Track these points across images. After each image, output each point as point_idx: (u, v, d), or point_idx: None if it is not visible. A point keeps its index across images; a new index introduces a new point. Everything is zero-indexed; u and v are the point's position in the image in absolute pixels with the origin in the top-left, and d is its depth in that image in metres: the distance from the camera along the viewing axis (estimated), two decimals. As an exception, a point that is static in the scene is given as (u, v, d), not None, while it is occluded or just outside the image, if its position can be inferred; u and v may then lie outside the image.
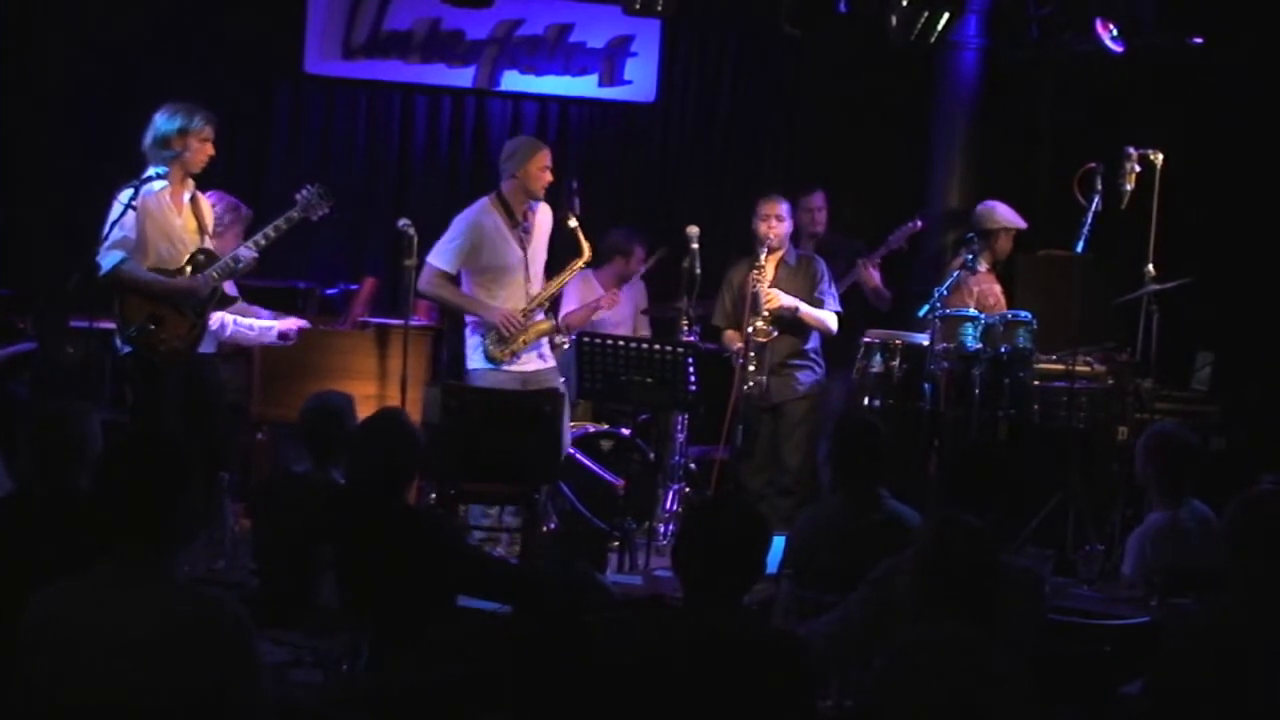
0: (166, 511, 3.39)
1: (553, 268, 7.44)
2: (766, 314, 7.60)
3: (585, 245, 7.29)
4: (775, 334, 7.62)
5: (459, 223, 7.25)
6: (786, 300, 7.63)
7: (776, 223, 7.73)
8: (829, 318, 7.78)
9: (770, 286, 7.67)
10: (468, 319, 7.31)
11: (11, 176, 8.94)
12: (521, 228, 7.24)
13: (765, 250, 7.67)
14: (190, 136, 6.64)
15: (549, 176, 7.25)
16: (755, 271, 7.61)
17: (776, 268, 7.77)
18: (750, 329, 7.60)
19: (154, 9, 9.16)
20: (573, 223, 7.25)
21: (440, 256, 7.20)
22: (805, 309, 7.69)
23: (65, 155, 9.05)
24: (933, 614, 3.61)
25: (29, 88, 9.03)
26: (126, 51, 9.16)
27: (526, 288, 7.23)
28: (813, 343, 7.85)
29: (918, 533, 3.91)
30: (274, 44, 9.48)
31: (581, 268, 7.42)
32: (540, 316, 7.29)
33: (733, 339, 7.81)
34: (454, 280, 7.24)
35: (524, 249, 7.24)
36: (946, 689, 3.39)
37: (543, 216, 7.33)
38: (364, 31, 9.52)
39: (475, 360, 7.26)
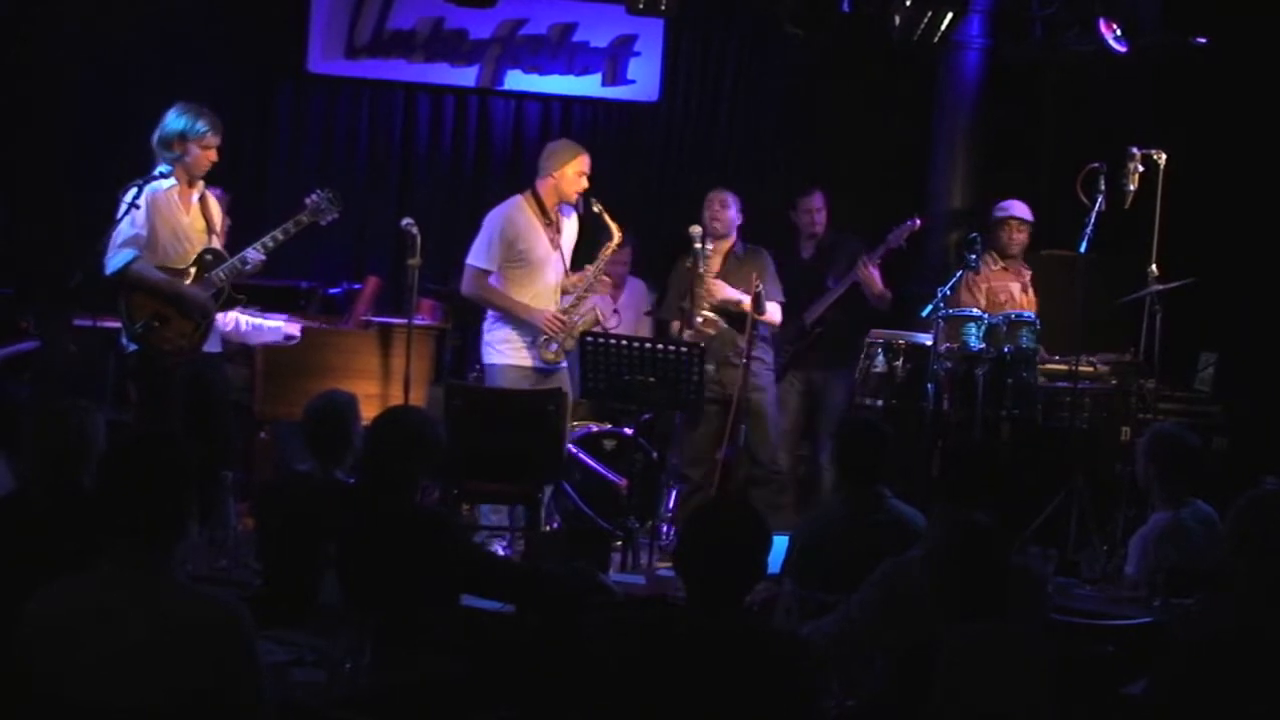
0: (167, 512, 3.39)
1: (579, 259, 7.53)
2: (707, 307, 7.64)
3: (614, 227, 7.35)
4: (723, 325, 7.62)
5: (491, 219, 7.32)
6: (730, 293, 7.67)
7: (720, 209, 7.82)
8: (773, 309, 7.78)
9: (715, 277, 7.71)
10: (487, 316, 7.32)
11: (14, 175, 8.93)
12: (554, 226, 7.29)
13: (708, 241, 7.71)
14: (190, 141, 6.63)
15: (585, 183, 7.29)
16: (691, 263, 7.63)
17: (725, 258, 7.78)
18: (699, 319, 7.60)
19: (156, 8, 9.16)
20: (596, 207, 7.31)
21: (478, 256, 7.27)
22: (748, 301, 7.64)
23: (67, 154, 9.06)
24: (946, 614, 3.61)
25: (31, 86, 9.03)
26: (129, 50, 9.16)
27: (556, 283, 7.29)
28: (760, 332, 7.81)
29: (930, 534, 3.91)
30: (277, 43, 9.49)
31: (615, 249, 7.45)
32: (588, 306, 7.35)
33: (677, 330, 7.83)
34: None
35: (554, 247, 7.29)
36: (990, 688, 3.38)
37: (571, 224, 7.41)
38: (367, 31, 9.54)
39: (492, 356, 7.27)
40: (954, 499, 4.55)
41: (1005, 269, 8.24)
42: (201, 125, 6.63)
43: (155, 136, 6.66)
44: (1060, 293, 7.93)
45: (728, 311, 7.70)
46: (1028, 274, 8.31)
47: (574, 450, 7.44)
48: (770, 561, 3.73)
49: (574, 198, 7.29)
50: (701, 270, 7.54)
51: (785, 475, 7.97)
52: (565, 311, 7.23)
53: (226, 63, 9.33)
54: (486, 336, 7.36)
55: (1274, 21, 8.51)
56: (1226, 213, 8.72)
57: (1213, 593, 4.29)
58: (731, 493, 7.50)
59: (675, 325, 7.91)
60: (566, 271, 7.34)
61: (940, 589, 3.73)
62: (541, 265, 7.27)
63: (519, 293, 7.23)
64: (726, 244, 7.85)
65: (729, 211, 7.85)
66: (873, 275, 8.52)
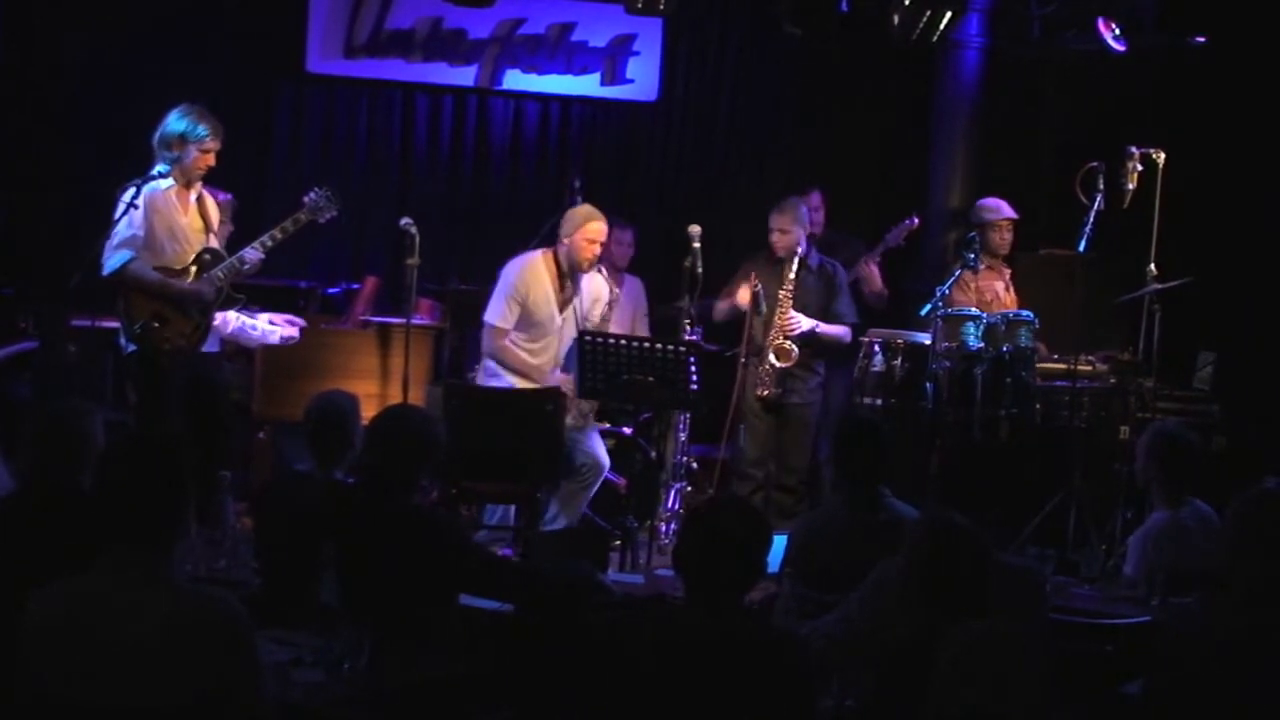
0: (166, 512, 3.39)
1: None
2: (781, 338, 7.62)
3: (611, 285, 7.40)
4: (796, 356, 7.65)
5: (506, 276, 7.23)
6: (806, 326, 7.67)
7: (781, 235, 7.72)
8: (844, 332, 7.84)
9: (794, 292, 7.68)
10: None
11: (13, 176, 8.94)
12: (568, 292, 7.24)
13: (788, 263, 7.68)
14: (189, 144, 6.63)
15: (598, 250, 7.19)
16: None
17: (799, 270, 7.75)
18: (773, 355, 7.62)
19: (156, 7, 9.17)
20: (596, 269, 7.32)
21: (494, 314, 7.20)
22: (822, 328, 7.73)
23: (67, 155, 9.06)
24: (924, 613, 3.62)
25: (31, 86, 9.03)
26: (128, 50, 9.16)
27: (559, 344, 7.25)
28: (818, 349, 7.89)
29: (909, 532, 3.92)
30: (276, 43, 9.49)
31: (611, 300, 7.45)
32: None
33: (735, 298, 7.82)
34: None
35: (562, 311, 7.23)
36: (988, 687, 3.38)
37: (592, 287, 7.34)
38: (366, 31, 9.54)
39: (490, 381, 7.24)
40: (951, 498, 4.55)
41: (990, 268, 8.22)
42: (202, 129, 6.63)
43: (156, 135, 6.66)
44: (1059, 292, 7.93)
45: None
46: (1008, 273, 8.31)
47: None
48: (769, 561, 3.73)
49: (584, 267, 7.19)
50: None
51: (805, 486, 7.98)
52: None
53: (225, 62, 9.32)
54: (483, 366, 7.31)
55: (1272, 21, 8.52)
56: (1225, 212, 8.72)
57: (1211, 592, 4.28)
58: (730, 492, 7.50)
59: (732, 297, 7.87)
60: (577, 327, 7.23)
61: (914, 587, 3.73)
62: (543, 325, 7.21)
63: (525, 350, 7.20)
64: (799, 256, 7.74)
65: (789, 236, 7.70)
66: (872, 272, 8.54)
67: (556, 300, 7.23)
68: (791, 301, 7.68)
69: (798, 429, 7.85)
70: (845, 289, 7.94)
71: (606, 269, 8.41)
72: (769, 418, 7.81)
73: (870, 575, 4.36)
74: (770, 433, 7.82)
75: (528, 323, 7.20)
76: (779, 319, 7.66)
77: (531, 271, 7.21)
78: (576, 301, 7.27)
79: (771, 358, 7.66)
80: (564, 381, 7.11)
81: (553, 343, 7.26)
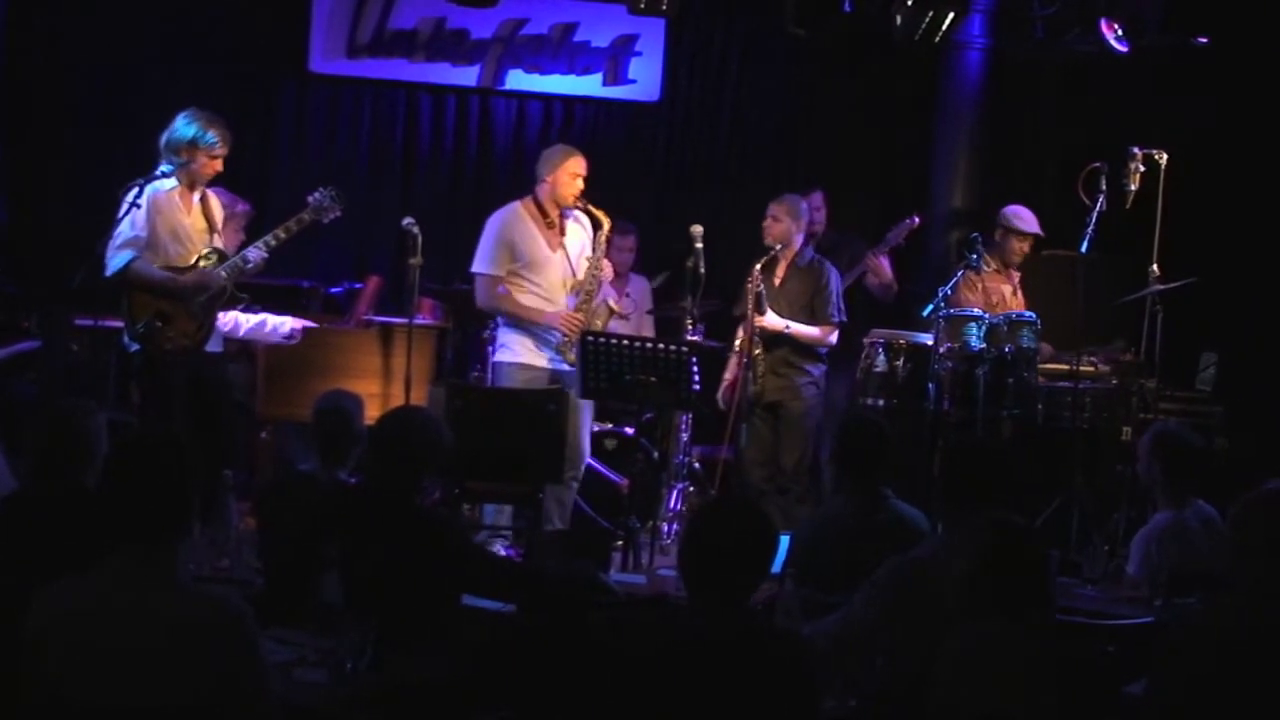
0: (171, 512, 3.40)
1: None
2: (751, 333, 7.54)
3: (599, 214, 7.27)
4: (760, 351, 7.55)
5: (490, 224, 7.30)
6: (772, 321, 7.55)
7: (772, 223, 7.65)
8: (823, 331, 7.68)
9: (778, 285, 7.64)
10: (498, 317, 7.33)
11: (16, 175, 8.94)
12: (556, 229, 7.27)
13: (768, 254, 7.64)
14: (198, 150, 6.63)
15: (580, 184, 7.23)
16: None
17: (786, 267, 7.73)
18: (736, 345, 7.58)
19: (159, 7, 9.18)
20: (580, 204, 7.26)
21: (483, 263, 7.24)
22: (795, 328, 7.60)
23: (69, 154, 9.07)
24: (982, 614, 3.60)
25: (34, 86, 9.03)
26: (131, 50, 9.17)
27: (564, 284, 7.26)
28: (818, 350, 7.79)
29: (979, 537, 3.85)
30: (279, 43, 9.50)
31: (608, 235, 7.36)
32: (599, 300, 7.31)
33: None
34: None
35: (556, 248, 7.26)
36: (1001, 685, 3.38)
37: (576, 228, 7.33)
38: (369, 30, 9.54)
39: (503, 354, 7.26)
40: (953, 499, 4.54)
41: (997, 271, 8.21)
42: (211, 136, 6.64)
43: (163, 139, 6.66)
44: (1061, 293, 7.93)
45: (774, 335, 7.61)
46: (1017, 276, 8.29)
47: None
48: (774, 562, 3.73)
49: (571, 200, 7.22)
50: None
51: (805, 486, 7.89)
52: (579, 309, 7.19)
53: (228, 62, 9.33)
54: (501, 337, 7.33)
55: (1275, 21, 8.51)
56: (1227, 213, 8.72)
57: (1213, 593, 4.28)
58: (734, 493, 7.49)
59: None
60: (575, 273, 7.29)
61: (981, 591, 3.69)
62: (543, 266, 7.24)
63: (527, 297, 7.21)
64: (789, 254, 7.69)
65: (780, 225, 7.62)
66: (881, 264, 8.50)
67: (543, 237, 7.25)
68: (775, 287, 7.59)
69: (787, 428, 7.69)
70: (833, 289, 7.73)
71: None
72: (766, 418, 7.72)
73: (873, 575, 4.36)
74: (766, 434, 7.75)
75: (527, 269, 7.21)
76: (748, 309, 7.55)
77: (513, 216, 7.28)
78: (567, 245, 7.28)
79: (736, 345, 7.58)
80: (564, 316, 7.12)
81: (556, 282, 7.25)
